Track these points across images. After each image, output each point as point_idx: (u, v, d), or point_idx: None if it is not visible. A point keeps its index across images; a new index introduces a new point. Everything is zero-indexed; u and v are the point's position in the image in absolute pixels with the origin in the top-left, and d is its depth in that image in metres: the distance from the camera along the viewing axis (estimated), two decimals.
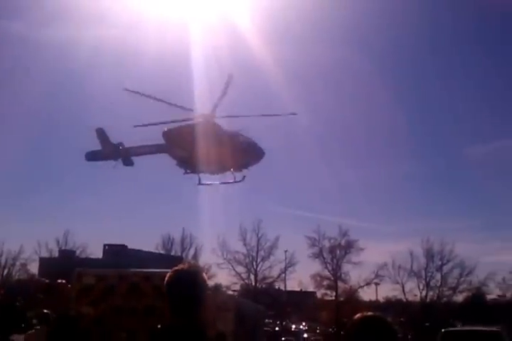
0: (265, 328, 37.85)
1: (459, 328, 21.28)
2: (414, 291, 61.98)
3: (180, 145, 28.99)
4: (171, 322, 3.30)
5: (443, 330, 19.32)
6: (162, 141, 30.57)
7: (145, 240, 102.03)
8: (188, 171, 30.50)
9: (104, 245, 75.98)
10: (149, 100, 29.02)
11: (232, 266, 64.88)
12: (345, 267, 63.16)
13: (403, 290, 62.32)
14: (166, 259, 61.95)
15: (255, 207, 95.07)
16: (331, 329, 66.14)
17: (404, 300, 63.47)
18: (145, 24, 60.20)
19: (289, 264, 65.42)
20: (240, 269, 65.26)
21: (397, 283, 61.96)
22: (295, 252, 65.27)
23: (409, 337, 57.71)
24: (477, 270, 60.24)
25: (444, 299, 62.59)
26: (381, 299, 68.93)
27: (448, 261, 60.85)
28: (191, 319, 3.27)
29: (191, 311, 3.30)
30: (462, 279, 60.82)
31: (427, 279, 61.61)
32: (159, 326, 3.34)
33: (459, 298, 64.35)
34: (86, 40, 60.62)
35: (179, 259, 61.59)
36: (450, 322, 53.98)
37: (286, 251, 64.59)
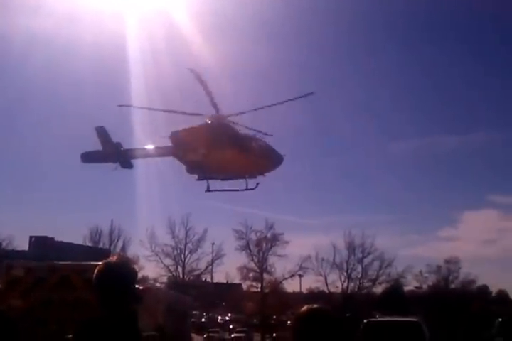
0: (192, 319, 37.75)
1: (380, 319, 21.82)
2: (336, 283, 63.38)
3: (190, 148, 26.49)
4: (100, 315, 3.23)
5: (365, 321, 19.70)
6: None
7: (73, 232, 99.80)
8: (201, 177, 27.55)
9: (31, 237, 73.74)
10: (151, 112, 27.38)
11: (160, 259, 64.42)
12: (271, 259, 63.95)
13: (326, 282, 63.64)
14: (93, 251, 60.80)
15: (184, 200, 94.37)
16: (255, 320, 66.72)
17: (327, 291, 64.69)
18: (81, 15, 58.34)
19: (216, 257, 65.78)
20: (168, 261, 64.93)
21: (320, 275, 63.23)
22: (222, 245, 65.56)
23: None
24: (396, 262, 62.22)
25: (365, 290, 64.17)
26: (304, 290, 70.17)
27: (368, 253, 62.60)
28: (121, 311, 3.22)
29: (121, 303, 3.25)
30: (382, 271, 62.72)
31: (349, 271, 63.11)
32: (88, 318, 3.27)
33: (379, 289, 66.22)
34: (19, 30, 58.33)
35: (107, 252, 60.57)
36: (369, 312, 55.37)
37: (213, 244, 64.84)
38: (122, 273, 3.30)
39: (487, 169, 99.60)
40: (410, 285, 68.23)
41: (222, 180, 27.58)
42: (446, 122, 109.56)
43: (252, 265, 63.79)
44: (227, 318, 78.75)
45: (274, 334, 54.46)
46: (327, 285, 63.86)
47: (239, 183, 27.57)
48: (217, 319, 76.78)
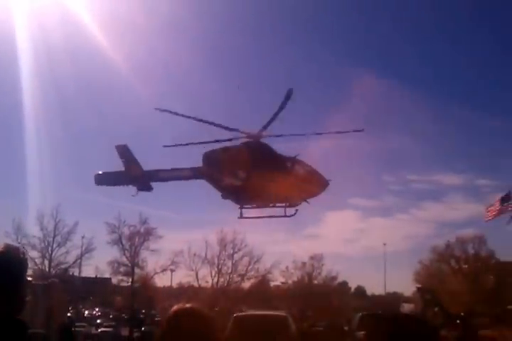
0: None
1: (250, 313, 22.00)
2: (206, 278, 63.44)
3: (227, 171, 23.78)
4: None
5: (235, 315, 19.79)
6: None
7: None
8: (239, 205, 24.51)
9: None
10: (180, 119, 23.46)
11: (26, 251, 61.04)
12: (143, 254, 62.90)
13: (197, 277, 63.52)
14: None
15: (55, 192, 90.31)
16: (124, 315, 65.28)
17: (197, 286, 64.68)
18: None
19: (86, 250, 63.45)
20: (34, 254, 61.73)
21: (192, 269, 62.97)
22: (94, 238, 63.43)
23: None
24: (264, 258, 63.35)
25: (234, 285, 64.79)
26: (175, 285, 69.74)
27: (239, 249, 63.20)
28: (10, 309, 2.73)
29: (9, 300, 2.75)
30: (250, 267, 63.56)
31: (219, 266, 63.39)
32: None
33: (247, 284, 67.16)
34: None
35: None
36: (238, 307, 56.05)
37: (83, 237, 62.53)
38: (12, 264, 2.78)
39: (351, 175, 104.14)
40: (277, 280, 70.10)
41: (260, 207, 24.99)
42: None
43: (124, 259, 62.49)
44: (94, 313, 76.44)
45: (143, 329, 53.50)
46: (198, 280, 63.89)
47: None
48: (84, 313, 74.27)
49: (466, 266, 71.87)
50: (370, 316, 23.10)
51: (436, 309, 43.21)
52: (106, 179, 25.40)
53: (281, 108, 21.91)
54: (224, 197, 24.43)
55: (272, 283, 74.69)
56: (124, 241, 61.90)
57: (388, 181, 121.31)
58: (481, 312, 58.42)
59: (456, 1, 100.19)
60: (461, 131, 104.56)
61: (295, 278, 70.49)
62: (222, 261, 63.65)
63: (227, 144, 24.07)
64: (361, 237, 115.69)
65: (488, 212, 54.44)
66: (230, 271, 64.03)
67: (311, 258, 69.84)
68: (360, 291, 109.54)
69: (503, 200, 54.45)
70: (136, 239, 62.34)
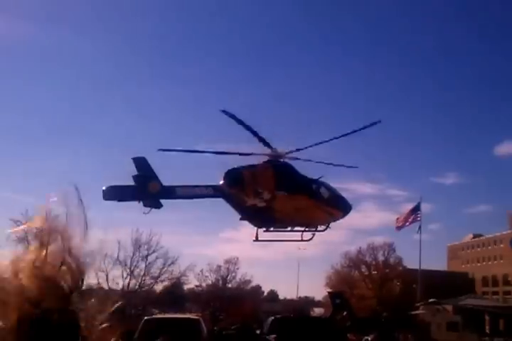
0: None
1: (161, 316, 21.58)
2: (117, 279, 61.77)
3: (248, 191, 22.10)
4: None
5: (145, 318, 19.39)
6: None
7: None
8: (258, 226, 22.94)
9: None
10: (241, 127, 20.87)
11: None
12: None
13: (107, 278, 61.74)
14: None
15: None
16: None
17: (107, 287, 62.92)
18: None
19: None
20: None
21: (102, 271, 61.16)
22: None
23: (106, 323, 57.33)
24: (179, 261, 62.50)
25: (145, 287, 63.55)
26: (84, 286, 67.51)
27: (154, 251, 61.97)
28: None
29: None
30: (164, 269, 62.44)
31: (132, 268, 61.92)
32: None
33: (160, 286, 66.06)
34: None
35: None
36: (148, 309, 55.07)
37: None
38: None
39: None
40: (191, 283, 69.46)
41: (279, 229, 23.59)
42: None
43: None
44: None
45: None
46: (108, 281, 62.12)
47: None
48: None
49: (376, 272, 74.15)
50: (281, 320, 23.23)
51: (344, 313, 44.06)
52: (117, 193, 23.00)
53: (332, 139, 21.82)
54: (243, 218, 22.98)
55: (186, 286, 74.25)
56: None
57: None
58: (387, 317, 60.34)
59: None
60: (373, 143, 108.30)
61: (209, 282, 70.29)
62: (135, 263, 62.25)
63: (248, 158, 22.63)
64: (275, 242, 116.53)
65: (398, 221, 56.54)
66: (142, 273, 62.70)
67: (227, 261, 69.97)
68: (273, 295, 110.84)
69: (414, 210, 56.77)
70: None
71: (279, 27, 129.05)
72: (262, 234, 22.90)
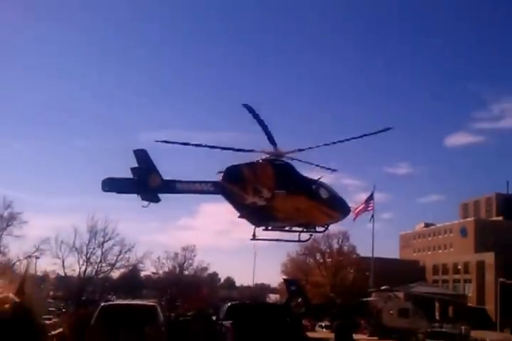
0: None
1: (117, 302, 21.58)
2: (73, 266, 61.15)
3: (247, 189, 21.81)
4: None
5: (102, 304, 19.37)
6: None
7: None
8: (256, 225, 22.43)
9: None
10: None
11: None
12: (6, 239, 59.47)
13: (63, 265, 61.06)
14: None
15: None
16: None
17: (64, 274, 62.30)
18: None
19: None
20: None
21: (58, 257, 60.45)
22: None
23: (63, 310, 56.90)
24: (136, 248, 62.17)
25: (102, 274, 63.11)
26: (40, 273, 66.73)
27: (110, 238, 61.48)
28: None
29: None
30: (121, 256, 62.03)
31: (88, 255, 61.32)
32: None
33: (116, 273, 65.79)
34: None
35: None
36: (105, 296, 54.81)
37: None
38: None
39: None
40: (148, 270, 69.28)
41: (277, 229, 23.12)
42: None
43: None
44: None
45: None
46: (64, 268, 61.43)
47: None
48: None
49: (330, 260, 75.35)
50: (237, 306, 23.46)
51: (299, 299, 44.77)
52: (117, 185, 22.54)
53: (336, 142, 21.70)
54: (241, 216, 22.47)
55: (143, 273, 73.96)
56: None
57: None
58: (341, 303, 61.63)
59: None
60: (328, 131, 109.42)
61: (166, 269, 70.21)
62: (91, 250, 61.62)
63: (248, 155, 22.24)
64: (234, 229, 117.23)
65: (355, 210, 57.43)
66: (99, 259, 62.16)
67: (184, 249, 69.96)
68: (230, 282, 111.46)
69: (368, 199, 57.83)
70: None
71: None
72: (261, 232, 22.54)
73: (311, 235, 23.41)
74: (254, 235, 22.55)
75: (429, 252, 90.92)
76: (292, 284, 50.41)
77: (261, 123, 20.59)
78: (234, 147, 21.74)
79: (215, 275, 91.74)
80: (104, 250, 61.56)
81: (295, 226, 22.67)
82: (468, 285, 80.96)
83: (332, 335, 28.24)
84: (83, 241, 60.51)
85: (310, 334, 33.34)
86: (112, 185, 22.26)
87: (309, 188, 21.86)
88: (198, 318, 23.96)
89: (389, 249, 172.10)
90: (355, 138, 22.81)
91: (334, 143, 22.41)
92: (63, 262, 60.57)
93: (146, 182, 21.61)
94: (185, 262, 70.76)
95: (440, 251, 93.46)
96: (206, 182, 22.57)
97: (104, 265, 62.29)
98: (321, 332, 45.94)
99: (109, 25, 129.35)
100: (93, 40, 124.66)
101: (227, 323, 20.55)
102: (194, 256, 70.83)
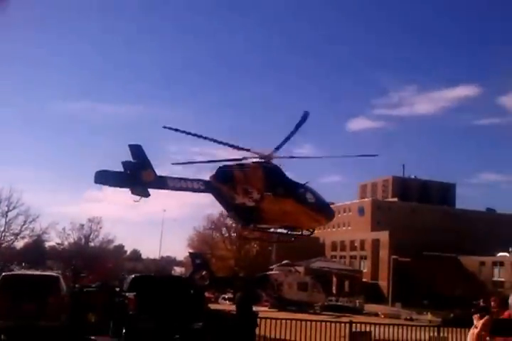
0: None
1: (19, 272, 21.13)
2: None
3: (237, 188, 21.69)
4: None
5: (3, 274, 18.95)
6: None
7: None
8: (243, 225, 22.75)
9: None
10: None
11: None
12: None
13: None
14: None
15: None
16: None
17: None
18: None
19: None
20: None
21: None
22: None
23: None
24: (41, 219, 60.69)
25: (6, 243, 61.32)
26: None
27: (14, 207, 59.70)
28: None
29: None
30: (26, 226, 60.37)
31: None
32: None
33: (21, 243, 64.28)
34: None
35: None
36: (8, 266, 53.22)
37: None
38: None
39: None
40: (53, 241, 67.92)
41: (263, 229, 23.40)
42: None
43: None
44: None
45: None
46: None
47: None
48: None
49: (235, 235, 76.58)
50: (140, 278, 23.51)
51: (204, 272, 45.46)
52: (109, 178, 21.71)
53: (296, 130, 20.52)
54: (230, 215, 22.94)
55: (48, 244, 72.21)
56: None
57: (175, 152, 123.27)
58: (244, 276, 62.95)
59: None
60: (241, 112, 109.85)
61: (72, 240, 68.86)
62: None
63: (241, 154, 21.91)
64: (142, 203, 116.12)
65: None
66: (2, 229, 60.16)
67: (90, 220, 68.81)
68: (136, 254, 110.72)
69: None
70: None
71: None
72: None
73: (295, 237, 23.42)
74: (242, 234, 22.00)
75: (329, 229, 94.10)
76: (197, 257, 51.03)
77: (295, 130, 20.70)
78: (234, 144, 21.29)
79: (121, 247, 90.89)
80: (8, 219, 59.89)
81: (281, 227, 22.86)
82: (364, 262, 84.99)
83: (234, 307, 28.95)
84: None
85: (213, 307, 33.93)
86: (105, 178, 21.66)
87: (296, 192, 21.80)
88: (102, 290, 23.88)
89: None
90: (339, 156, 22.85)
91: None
92: None
93: (139, 176, 21.24)
94: (91, 234, 69.56)
95: (339, 229, 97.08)
96: (197, 181, 22.55)
97: (7, 234, 60.62)
98: (224, 304, 46.88)
99: None
100: None
101: (130, 295, 20.63)
102: (100, 227, 69.78)
